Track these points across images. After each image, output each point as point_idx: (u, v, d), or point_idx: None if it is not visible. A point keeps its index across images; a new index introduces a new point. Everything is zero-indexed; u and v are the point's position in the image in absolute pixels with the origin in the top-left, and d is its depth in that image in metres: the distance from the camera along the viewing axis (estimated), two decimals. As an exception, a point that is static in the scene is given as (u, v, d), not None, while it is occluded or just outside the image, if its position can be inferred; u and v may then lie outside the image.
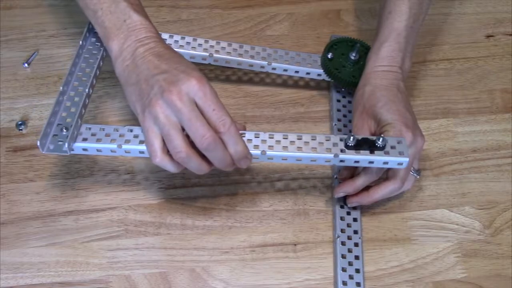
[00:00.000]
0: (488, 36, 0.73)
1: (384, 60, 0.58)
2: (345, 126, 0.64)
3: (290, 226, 0.59)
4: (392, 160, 0.51)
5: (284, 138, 0.53)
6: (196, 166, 0.50)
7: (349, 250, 0.56)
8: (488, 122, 0.65)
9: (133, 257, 0.57)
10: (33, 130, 0.65)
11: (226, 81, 0.69)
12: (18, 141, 0.65)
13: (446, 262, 0.56)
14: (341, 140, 0.52)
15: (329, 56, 0.64)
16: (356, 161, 0.52)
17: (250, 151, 0.52)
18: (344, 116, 0.65)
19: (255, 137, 0.53)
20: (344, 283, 0.54)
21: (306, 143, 0.52)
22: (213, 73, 0.70)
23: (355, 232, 0.57)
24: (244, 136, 0.52)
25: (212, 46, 0.64)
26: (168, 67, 0.50)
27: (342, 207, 0.59)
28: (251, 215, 0.60)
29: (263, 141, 0.53)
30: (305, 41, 0.72)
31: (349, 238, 0.57)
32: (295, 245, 0.58)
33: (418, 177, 0.57)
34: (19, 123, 0.65)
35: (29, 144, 0.64)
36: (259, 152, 0.52)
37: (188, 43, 0.64)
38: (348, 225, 0.58)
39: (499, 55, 0.71)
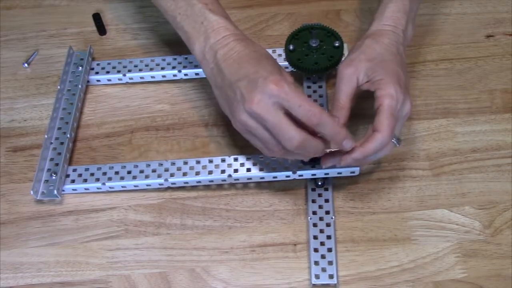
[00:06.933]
0: (488, 36, 0.73)
1: (389, 20, 0.59)
2: None
3: (290, 226, 0.59)
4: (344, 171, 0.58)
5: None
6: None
7: (321, 231, 0.57)
8: (488, 122, 0.65)
9: (133, 257, 0.57)
10: (33, 130, 0.65)
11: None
12: (18, 141, 0.65)
13: (446, 262, 0.56)
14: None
15: (290, 48, 0.66)
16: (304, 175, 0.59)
17: (198, 178, 0.58)
18: (315, 101, 0.66)
19: (196, 163, 0.59)
20: (316, 250, 0.55)
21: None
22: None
23: (327, 213, 0.58)
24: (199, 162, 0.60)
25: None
26: (247, 71, 0.51)
27: (313, 190, 0.60)
28: (251, 215, 0.59)
29: (204, 166, 0.59)
30: (305, 41, 0.72)
31: (321, 219, 0.57)
32: (295, 245, 0.58)
33: (398, 145, 0.56)
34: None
35: (29, 144, 0.64)
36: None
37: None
38: (320, 207, 0.58)
39: (499, 55, 0.71)
